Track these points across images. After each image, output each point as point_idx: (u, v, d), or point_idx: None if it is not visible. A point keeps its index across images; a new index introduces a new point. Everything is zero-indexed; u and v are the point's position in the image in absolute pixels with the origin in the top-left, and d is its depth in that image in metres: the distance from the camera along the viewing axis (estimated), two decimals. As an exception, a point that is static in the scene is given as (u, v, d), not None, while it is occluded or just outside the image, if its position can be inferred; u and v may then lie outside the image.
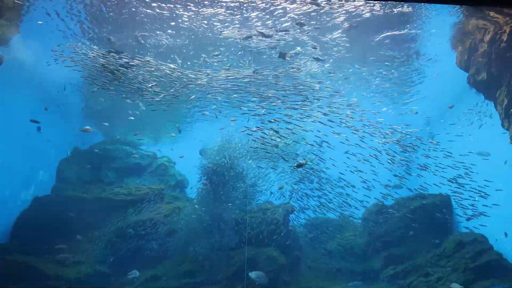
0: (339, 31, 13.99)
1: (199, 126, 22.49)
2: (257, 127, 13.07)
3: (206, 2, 12.52)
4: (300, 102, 13.61)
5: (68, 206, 14.41)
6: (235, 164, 14.99)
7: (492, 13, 11.37)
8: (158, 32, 14.33)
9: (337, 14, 12.99)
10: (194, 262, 13.19)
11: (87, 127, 14.79)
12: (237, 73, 14.52)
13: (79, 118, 21.50)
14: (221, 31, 13.86)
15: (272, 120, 12.87)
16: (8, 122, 16.27)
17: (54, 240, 13.30)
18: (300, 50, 14.76)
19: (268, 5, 12.54)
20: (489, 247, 12.59)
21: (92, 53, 13.76)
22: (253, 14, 13.08)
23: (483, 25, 12.29)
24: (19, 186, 17.77)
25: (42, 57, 15.03)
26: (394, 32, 14.28)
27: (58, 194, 15.85)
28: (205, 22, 13.62)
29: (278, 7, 12.55)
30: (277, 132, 13.29)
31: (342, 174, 15.12)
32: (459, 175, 14.69)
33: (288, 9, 12.73)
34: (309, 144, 14.65)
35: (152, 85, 14.31)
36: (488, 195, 13.77)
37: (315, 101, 14.68)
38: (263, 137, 13.13)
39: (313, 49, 14.64)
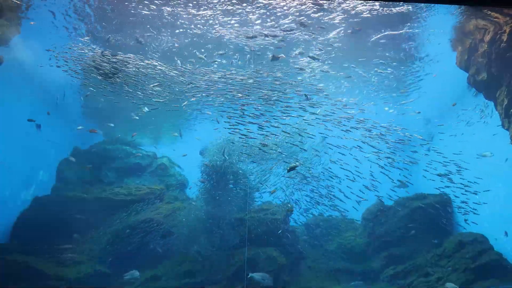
0: (336, 31, 13.98)
1: (199, 126, 22.48)
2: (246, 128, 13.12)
3: (206, 4, 12.52)
4: (306, 101, 13.71)
5: (68, 206, 14.42)
6: (235, 164, 15.01)
7: (492, 13, 11.37)
8: (160, 33, 14.34)
9: (337, 14, 12.99)
10: (194, 262, 13.19)
11: (91, 129, 14.86)
12: (237, 74, 14.57)
13: (79, 118, 21.50)
14: (215, 31, 13.85)
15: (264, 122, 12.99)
16: (8, 122, 16.24)
17: (54, 240, 13.32)
18: (302, 51, 14.78)
19: (270, 6, 12.53)
20: (489, 247, 12.59)
21: (88, 57, 13.80)
22: (254, 16, 13.09)
23: (483, 25, 12.30)
24: (19, 186, 17.75)
25: (42, 57, 15.03)
26: (393, 32, 14.28)
27: (58, 194, 15.85)
28: (205, 22, 13.62)
29: (282, 7, 12.54)
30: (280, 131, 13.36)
31: (348, 171, 15.18)
32: (450, 171, 14.86)
33: (290, 9, 12.72)
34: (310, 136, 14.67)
35: (154, 85, 14.34)
36: (478, 191, 13.95)
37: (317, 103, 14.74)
38: (245, 135, 13.16)
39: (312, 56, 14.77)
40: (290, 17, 13.12)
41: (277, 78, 14.72)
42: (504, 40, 11.39)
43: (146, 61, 14.53)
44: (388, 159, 14.92)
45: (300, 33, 13.99)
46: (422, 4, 12.33)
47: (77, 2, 12.63)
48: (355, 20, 13.26)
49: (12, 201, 16.63)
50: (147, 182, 17.62)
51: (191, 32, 14.00)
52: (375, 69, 16.58)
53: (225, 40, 14.38)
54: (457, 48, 14.63)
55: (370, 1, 12.04)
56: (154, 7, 12.56)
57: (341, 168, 14.97)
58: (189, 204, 15.63)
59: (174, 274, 12.88)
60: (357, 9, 12.62)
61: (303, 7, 12.40)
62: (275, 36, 13.72)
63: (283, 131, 13.69)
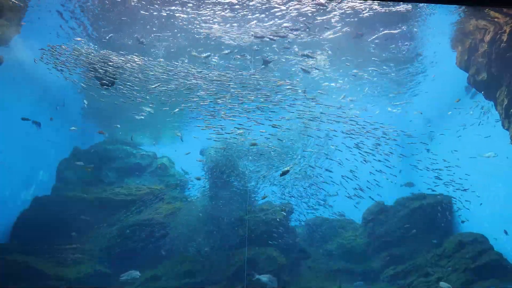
0: (332, 31, 13.99)
1: (199, 124, 22.43)
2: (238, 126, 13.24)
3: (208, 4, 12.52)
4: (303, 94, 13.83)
5: (68, 206, 14.42)
6: (235, 164, 15.02)
7: (492, 13, 11.36)
8: (161, 34, 14.34)
9: (336, 14, 12.98)
10: (194, 262, 13.19)
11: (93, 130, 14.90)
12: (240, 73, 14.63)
13: (79, 118, 21.50)
14: (208, 32, 13.90)
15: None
16: (8, 122, 16.24)
17: (54, 240, 13.33)
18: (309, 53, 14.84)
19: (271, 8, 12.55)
20: (489, 247, 12.60)
21: (86, 59, 13.83)
22: (256, 16, 13.08)
23: (483, 25, 12.29)
24: (19, 186, 17.75)
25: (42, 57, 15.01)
26: (392, 31, 14.27)
27: (58, 194, 15.85)
28: (206, 23, 13.62)
29: (285, 9, 12.57)
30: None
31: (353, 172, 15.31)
32: (440, 168, 15.02)
33: (295, 9, 12.73)
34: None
35: (156, 86, 14.35)
36: (466, 189, 14.17)
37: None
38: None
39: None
40: (288, 17, 13.13)
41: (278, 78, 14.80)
42: (504, 40, 11.38)
43: (146, 61, 14.52)
44: (388, 155, 15.01)
45: (303, 34, 14.02)
46: (422, 4, 12.31)
47: (77, 2, 12.62)
48: (355, 19, 13.24)
49: (12, 201, 16.63)
50: (147, 182, 17.63)
51: (194, 31, 13.97)
52: (375, 69, 16.60)
53: (226, 40, 14.38)
54: (457, 48, 14.62)
55: (370, 1, 12.03)
56: (157, 6, 12.57)
57: (339, 165, 15.09)
58: (189, 204, 15.63)
59: (174, 274, 12.88)
60: (357, 9, 12.62)
61: (306, 8, 12.41)
62: (283, 37, 13.75)
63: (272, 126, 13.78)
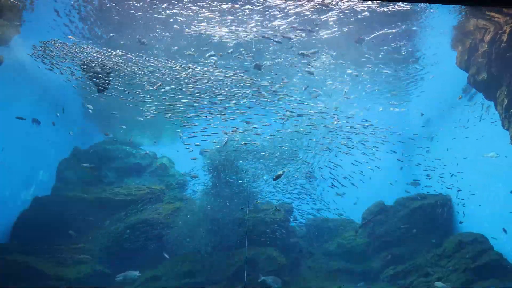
0: (330, 31, 14.01)
1: (199, 125, 22.43)
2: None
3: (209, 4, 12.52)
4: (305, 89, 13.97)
5: (68, 206, 14.42)
6: (235, 163, 15.02)
7: (492, 13, 11.35)
8: (161, 34, 14.34)
9: (335, 13, 12.98)
10: (194, 262, 13.19)
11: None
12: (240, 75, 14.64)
13: (79, 118, 21.47)
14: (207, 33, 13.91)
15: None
16: (8, 122, 16.24)
17: (54, 240, 13.32)
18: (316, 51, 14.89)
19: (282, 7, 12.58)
20: (489, 247, 12.59)
21: (85, 61, 13.83)
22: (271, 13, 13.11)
23: (483, 25, 12.28)
24: (19, 186, 17.74)
25: (42, 57, 15.00)
26: (392, 31, 14.27)
27: (58, 194, 15.85)
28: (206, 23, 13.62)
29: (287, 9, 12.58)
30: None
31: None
32: (429, 166, 15.09)
33: (290, 9, 12.73)
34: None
35: (157, 86, 14.34)
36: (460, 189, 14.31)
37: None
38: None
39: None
40: (290, 19, 13.14)
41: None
42: (504, 40, 11.37)
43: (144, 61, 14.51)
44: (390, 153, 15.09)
45: (305, 35, 14.06)
46: (422, 4, 12.31)
47: (76, 2, 12.62)
48: (354, 19, 13.24)
49: (12, 201, 16.62)
50: (147, 182, 17.62)
51: (197, 30, 13.98)
52: (376, 69, 16.60)
53: (227, 40, 14.38)
54: (457, 48, 14.62)
55: (370, 1, 12.02)
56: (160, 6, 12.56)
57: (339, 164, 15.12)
58: (189, 204, 15.63)
59: (174, 274, 12.88)
60: (356, 8, 12.61)
61: (307, 7, 12.42)
62: (290, 38, 13.80)
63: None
